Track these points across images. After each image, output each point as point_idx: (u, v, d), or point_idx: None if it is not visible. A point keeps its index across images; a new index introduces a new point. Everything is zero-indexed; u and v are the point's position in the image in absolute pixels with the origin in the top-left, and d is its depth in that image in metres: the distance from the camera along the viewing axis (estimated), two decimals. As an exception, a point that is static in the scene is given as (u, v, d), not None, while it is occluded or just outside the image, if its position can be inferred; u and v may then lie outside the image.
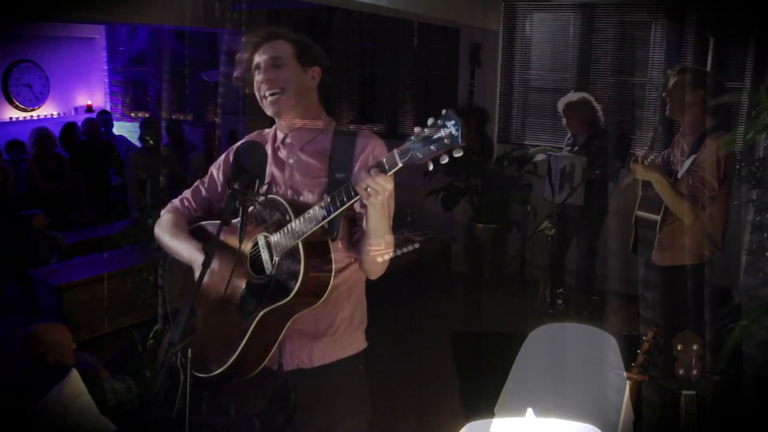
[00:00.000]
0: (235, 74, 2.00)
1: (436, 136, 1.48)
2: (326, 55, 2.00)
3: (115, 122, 8.83)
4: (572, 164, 4.60)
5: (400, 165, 1.55)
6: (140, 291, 4.09)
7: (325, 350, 1.93)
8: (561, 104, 4.87)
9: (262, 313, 1.79)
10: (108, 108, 8.85)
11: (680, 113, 3.26)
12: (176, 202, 2.12)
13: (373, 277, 1.92)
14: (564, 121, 4.88)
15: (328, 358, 1.93)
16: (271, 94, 1.89)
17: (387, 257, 1.83)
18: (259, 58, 1.92)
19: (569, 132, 4.94)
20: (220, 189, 2.07)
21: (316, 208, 1.71)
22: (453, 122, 1.47)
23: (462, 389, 3.84)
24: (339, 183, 1.71)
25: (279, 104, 1.90)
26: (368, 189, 1.59)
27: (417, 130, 1.52)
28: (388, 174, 1.58)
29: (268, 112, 1.93)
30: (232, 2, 5.39)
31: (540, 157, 5.44)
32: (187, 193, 2.12)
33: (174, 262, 2.10)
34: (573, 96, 4.84)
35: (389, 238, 1.79)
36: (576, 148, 4.81)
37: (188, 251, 1.94)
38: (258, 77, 1.92)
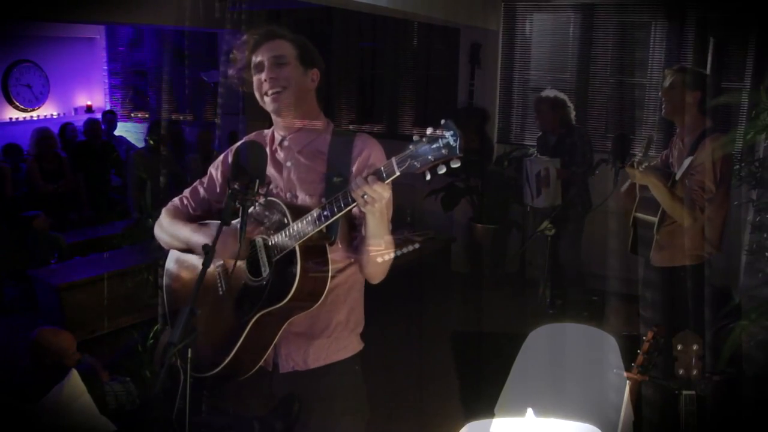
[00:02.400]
0: (230, 72, 2.00)
1: (434, 146, 1.49)
2: (322, 58, 2.00)
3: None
4: (546, 169, 4.60)
5: (398, 174, 1.56)
6: (140, 291, 4.09)
7: (320, 352, 1.93)
8: (534, 99, 4.91)
9: (257, 316, 1.79)
10: (108, 108, 8.84)
11: (676, 114, 3.26)
12: (176, 200, 2.12)
13: (374, 281, 1.92)
14: (535, 117, 4.94)
15: (323, 360, 1.93)
16: (274, 92, 1.89)
17: (387, 260, 1.82)
18: (261, 56, 1.91)
19: (540, 130, 5.00)
20: (218, 189, 2.06)
21: (314, 212, 1.71)
22: (451, 133, 1.47)
23: (462, 389, 3.83)
24: (336, 186, 1.71)
25: (281, 102, 1.90)
26: (365, 197, 1.60)
27: (415, 138, 1.52)
28: (386, 182, 1.58)
29: (269, 109, 1.93)
30: (232, 2, 5.39)
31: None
32: (186, 192, 2.12)
33: (174, 262, 2.10)
34: (549, 92, 4.87)
35: (388, 238, 1.79)
36: (540, 149, 4.86)
37: (187, 231, 1.94)
38: (260, 75, 1.91)
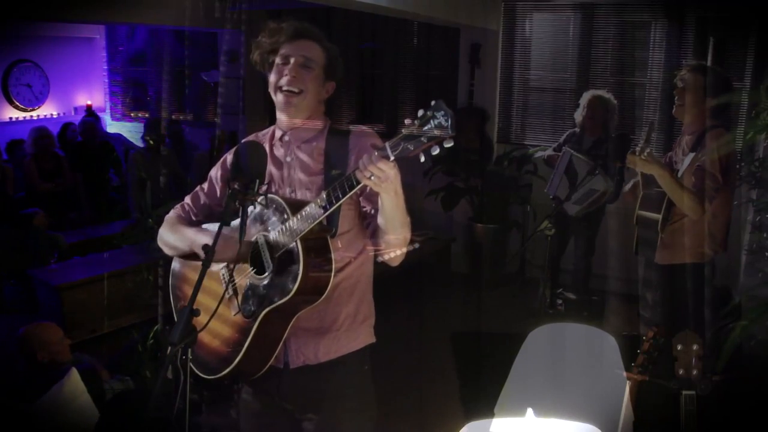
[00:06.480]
0: (253, 55, 1.97)
1: (426, 128, 1.49)
2: (344, 71, 2.00)
3: (115, 122, 8.84)
4: (604, 193, 4.32)
5: (392, 158, 1.56)
6: (140, 291, 4.08)
7: (331, 346, 1.93)
8: (587, 95, 4.72)
9: (264, 312, 1.79)
10: (108, 108, 8.85)
11: (685, 113, 3.23)
12: (178, 208, 2.13)
13: (394, 264, 1.90)
14: (581, 113, 4.71)
15: (334, 354, 1.94)
16: (289, 91, 1.88)
17: (405, 247, 1.82)
18: (290, 51, 1.90)
19: (579, 128, 4.78)
20: (219, 194, 2.06)
21: (313, 205, 1.71)
22: (442, 113, 1.48)
23: (462, 389, 3.83)
24: (335, 180, 1.72)
25: (292, 103, 1.90)
26: (372, 177, 1.59)
27: (407, 122, 1.53)
28: (391, 160, 1.57)
29: (278, 102, 1.92)
30: (232, 2, 5.39)
31: (541, 153, 5.39)
32: (187, 198, 2.13)
33: (179, 262, 2.10)
34: (604, 93, 4.74)
35: (407, 220, 1.77)
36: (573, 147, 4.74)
37: (190, 235, 1.95)
38: (283, 69, 1.90)
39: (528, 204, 5.70)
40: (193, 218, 2.09)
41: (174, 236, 2.01)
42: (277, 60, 1.92)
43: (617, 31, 5.65)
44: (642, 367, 2.14)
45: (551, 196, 4.67)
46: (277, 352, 1.86)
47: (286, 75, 1.88)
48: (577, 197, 4.39)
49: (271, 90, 1.94)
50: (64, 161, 6.50)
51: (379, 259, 1.91)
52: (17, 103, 7.88)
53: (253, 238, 1.86)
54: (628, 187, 3.57)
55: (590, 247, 4.84)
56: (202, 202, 2.09)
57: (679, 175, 3.17)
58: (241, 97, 6.41)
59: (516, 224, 5.87)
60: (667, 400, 2.12)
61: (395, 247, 1.81)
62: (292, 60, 1.89)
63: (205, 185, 2.11)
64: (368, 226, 1.89)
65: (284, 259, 1.77)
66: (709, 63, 4.95)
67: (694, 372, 2.00)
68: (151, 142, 6.20)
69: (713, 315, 3.26)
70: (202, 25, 6.48)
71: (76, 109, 8.53)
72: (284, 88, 1.89)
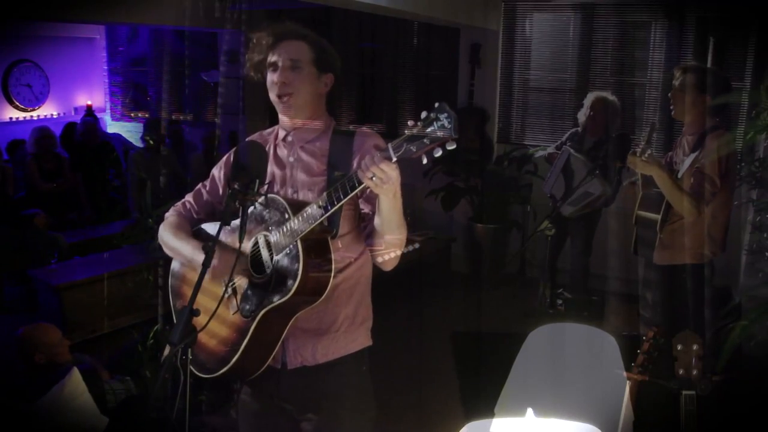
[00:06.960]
0: (247, 65, 1.98)
1: (429, 130, 1.50)
2: (340, 62, 2.00)
3: (115, 122, 8.84)
4: (599, 197, 4.34)
5: (395, 159, 1.56)
6: (140, 291, 4.08)
7: (329, 347, 1.93)
8: (592, 96, 4.70)
9: (263, 312, 1.79)
10: (108, 108, 8.85)
11: (684, 113, 3.23)
12: (179, 205, 2.12)
13: (387, 268, 1.92)
14: (584, 113, 4.69)
15: (332, 355, 1.94)
16: (284, 95, 1.90)
17: (399, 251, 1.84)
18: (276, 56, 1.91)
19: (581, 128, 4.76)
20: (221, 191, 2.06)
21: (314, 205, 1.72)
22: (445, 115, 1.49)
23: (462, 389, 3.83)
24: (337, 181, 1.72)
25: (289, 106, 1.91)
26: (374, 178, 1.59)
27: (410, 123, 1.54)
28: (393, 162, 1.57)
29: (276, 107, 1.94)
30: (232, 2, 5.39)
31: (541, 153, 5.38)
32: (189, 196, 2.12)
33: (179, 262, 2.10)
34: (609, 95, 4.72)
35: (403, 224, 1.79)
36: (574, 146, 4.74)
37: (189, 250, 1.94)
38: (273, 76, 1.92)
39: (528, 204, 5.70)
40: (195, 216, 2.09)
41: (174, 242, 2.00)
42: (268, 69, 1.94)
43: (617, 31, 5.65)
44: (642, 367, 2.15)
45: (548, 194, 4.68)
46: (274, 352, 1.86)
47: (276, 82, 1.90)
48: (572, 198, 4.40)
49: (272, 100, 1.95)
50: (65, 161, 6.50)
51: (378, 260, 1.91)
52: (17, 103, 7.88)
53: (253, 239, 1.86)
54: (628, 181, 3.56)
55: (587, 246, 4.84)
56: (204, 199, 2.09)
57: (680, 176, 3.17)
58: (241, 97, 6.41)
59: (516, 224, 5.87)
60: (667, 400, 2.12)
61: (390, 249, 1.82)
62: (279, 64, 1.91)
63: (208, 183, 2.11)
64: (365, 228, 1.89)
65: (284, 259, 1.77)
66: (709, 63, 4.95)
67: (694, 372, 2.00)
68: (151, 142, 6.21)
69: (713, 315, 3.26)
70: (202, 25, 6.48)
71: (76, 109, 8.52)
72: (277, 93, 1.90)
